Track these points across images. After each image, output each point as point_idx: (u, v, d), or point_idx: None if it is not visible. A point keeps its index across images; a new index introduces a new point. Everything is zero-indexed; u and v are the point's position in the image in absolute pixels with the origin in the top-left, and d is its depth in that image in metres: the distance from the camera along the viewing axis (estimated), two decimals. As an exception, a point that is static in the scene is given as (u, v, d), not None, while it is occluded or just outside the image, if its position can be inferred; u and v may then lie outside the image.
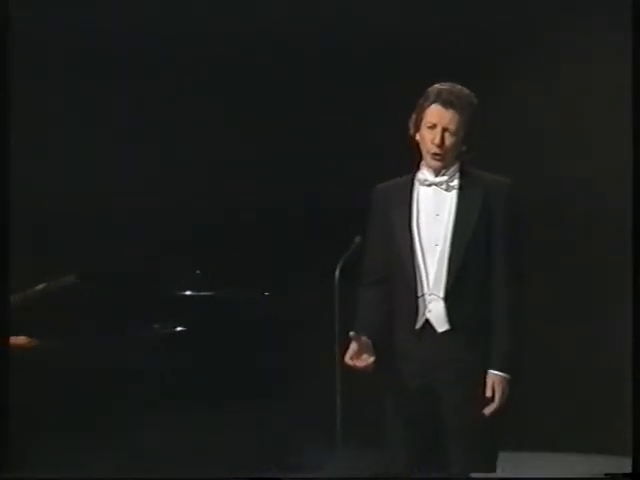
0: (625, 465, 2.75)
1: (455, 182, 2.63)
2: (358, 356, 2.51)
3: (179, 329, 3.47)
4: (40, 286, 3.36)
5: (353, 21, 4.71)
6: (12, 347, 3.01)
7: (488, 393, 2.56)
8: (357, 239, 2.66)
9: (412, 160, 2.74)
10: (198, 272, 3.73)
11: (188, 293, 3.72)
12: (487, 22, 4.68)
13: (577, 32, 4.63)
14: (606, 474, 2.83)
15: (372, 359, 2.51)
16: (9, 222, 3.15)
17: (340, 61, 4.73)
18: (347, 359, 2.50)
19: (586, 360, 4.47)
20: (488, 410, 2.56)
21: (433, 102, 2.59)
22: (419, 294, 2.61)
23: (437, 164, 2.59)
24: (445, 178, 2.62)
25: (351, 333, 2.48)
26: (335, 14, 4.68)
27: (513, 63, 4.82)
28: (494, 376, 2.57)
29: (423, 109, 2.60)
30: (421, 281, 2.62)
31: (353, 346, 2.50)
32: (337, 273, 2.57)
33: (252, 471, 3.58)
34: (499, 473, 2.79)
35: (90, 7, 4.58)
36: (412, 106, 2.68)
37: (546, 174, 4.50)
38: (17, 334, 3.11)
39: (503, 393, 2.56)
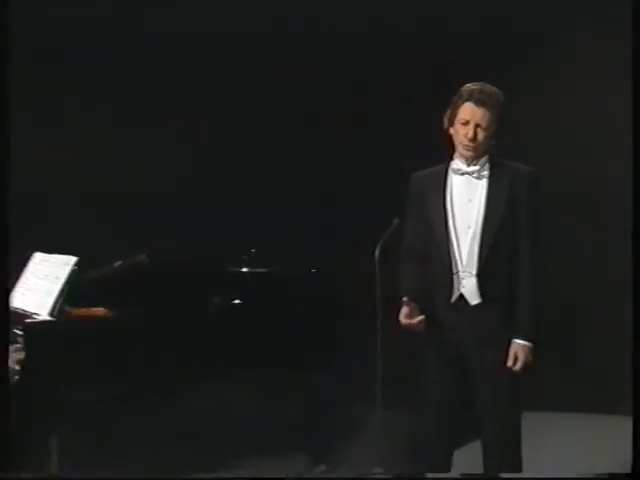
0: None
1: (485, 171, 2.73)
2: (411, 316, 2.64)
3: (237, 301, 3.54)
4: (116, 263, 3.45)
5: (380, 19, 4.68)
6: (91, 317, 3.18)
7: (511, 359, 2.67)
8: (395, 221, 2.75)
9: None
10: (253, 251, 3.80)
11: (244, 270, 3.78)
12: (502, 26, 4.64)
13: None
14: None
15: (422, 317, 2.65)
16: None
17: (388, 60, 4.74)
18: (402, 319, 2.65)
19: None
20: (512, 373, 2.67)
21: (466, 100, 2.68)
22: (453, 271, 2.71)
23: (469, 155, 2.70)
24: (477, 168, 2.72)
25: (404, 298, 2.63)
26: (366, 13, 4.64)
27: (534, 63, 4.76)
28: (517, 344, 2.68)
29: (457, 106, 2.70)
30: (455, 260, 2.71)
31: (405, 309, 2.64)
32: (377, 252, 2.65)
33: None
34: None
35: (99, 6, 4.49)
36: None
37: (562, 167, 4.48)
38: (96, 306, 3.23)
39: (525, 359, 2.67)
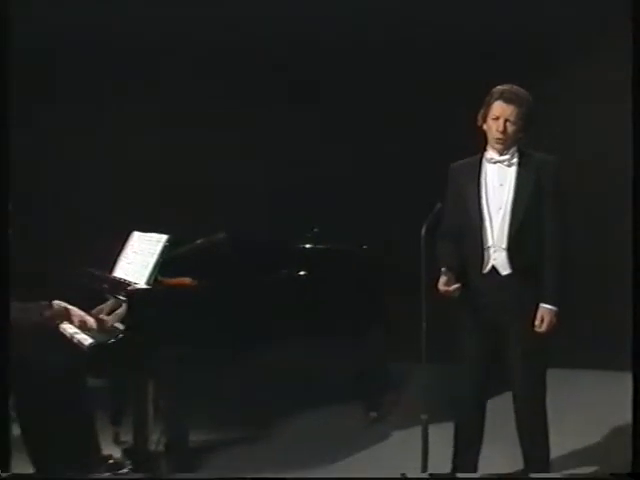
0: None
1: (515, 160, 2.87)
2: (448, 284, 2.79)
3: (301, 273, 3.63)
4: (199, 240, 3.56)
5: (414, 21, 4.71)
6: (179, 285, 3.27)
7: (538, 321, 2.82)
8: (438, 205, 2.85)
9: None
10: (316, 230, 3.92)
11: (308, 246, 3.92)
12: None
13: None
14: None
15: (458, 285, 2.80)
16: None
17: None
18: (440, 286, 2.79)
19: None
20: (538, 334, 2.82)
21: (497, 99, 2.83)
22: (486, 246, 2.86)
23: (500, 147, 2.85)
24: (507, 157, 2.87)
25: (443, 268, 2.78)
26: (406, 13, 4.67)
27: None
28: (544, 308, 2.82)
29: (489, 105, 2.85)
30: (487, 236, 2.86)
31: (443, 278, 2.79)
32: (423, 231, 2.73)
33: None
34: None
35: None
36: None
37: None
38: (183, 276, 3.32)
39: (551, 322, 2.82)
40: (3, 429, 2.70)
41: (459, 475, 2.89)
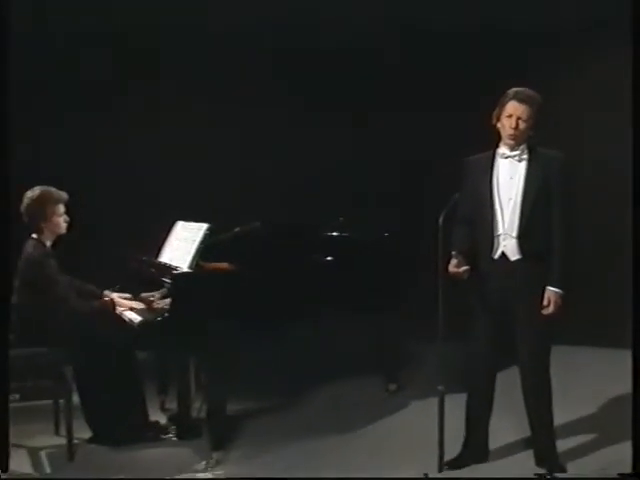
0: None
1: (525, 156, 2.96)
2: (459, 266, 2.89)
3: (328, 258, 3.71)
4: (236, 229, 3.68)
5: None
6: (218, 269, 3.39)
7: (545, 303, 2.90)
8: (456, 195, 2.94)
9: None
10: (342, 219, 4.02)
11: (335, 234, 4.02)
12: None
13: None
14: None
15: (467, 268, 2.89)
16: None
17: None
18: (450, 268, 2.88)
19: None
20: (545, 314, 2.89)
21: (511, 99, 2.93)
22: (496, 234, 2.95)
23: (512, 143, 2.94)
24: (518, 152, 2.96)
25: (453, 252, 2.87)
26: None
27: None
28: (550, 291, 2.90)
29: (503, 105, 2.94)
30: (498, 224, 2.94)
31: (453, 261, 2.89)
32: (441, 220, 2.81)
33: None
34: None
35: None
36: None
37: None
38: (222, 261, 3.43)
39: (556, 303, 2.89)
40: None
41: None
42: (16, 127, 2.82)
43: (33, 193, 3.37)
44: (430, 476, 2.75)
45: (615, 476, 2.71)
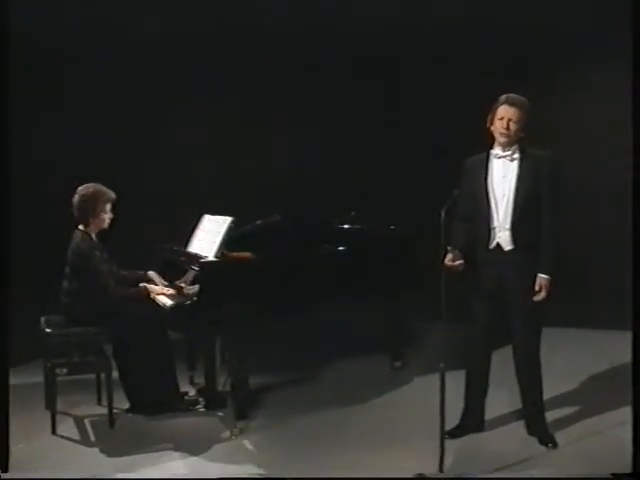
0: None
1: (516, 156, 3.07)
2: (454, 260, 2.98)
3: (341, 248, 3.81)
4: (258, 221, 3.76)
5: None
6: (241, 259, 3.48)
7: (537, 287, 3.00)
8: (455, 191, 2.98)
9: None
10: (353, 213, 4.11)
11: (347, 226, 4.12)
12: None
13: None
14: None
15: (461, 262, 2.99)
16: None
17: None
18: (447, 262, 2.97)
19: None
20: (536, 299, 3.00)
21: (502, 103, 3.05)
22: (492, 227, 3.07)
23: (504, 141, 3.05)
24: (510, 152, 3.07)
25: (448, 247, 2.96)
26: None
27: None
28: (541, 277, 3.01)
29: (496, 109, 3.07)
30: (493, 218, 3.05)
31: (449, 255, 2.98)
32: (443, 214, 2.83)
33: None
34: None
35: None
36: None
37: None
38: (244, 251, 3.49)
39: (547, 288, 3.00)
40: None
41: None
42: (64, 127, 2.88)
43: (87, 190, 3.51)
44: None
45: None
